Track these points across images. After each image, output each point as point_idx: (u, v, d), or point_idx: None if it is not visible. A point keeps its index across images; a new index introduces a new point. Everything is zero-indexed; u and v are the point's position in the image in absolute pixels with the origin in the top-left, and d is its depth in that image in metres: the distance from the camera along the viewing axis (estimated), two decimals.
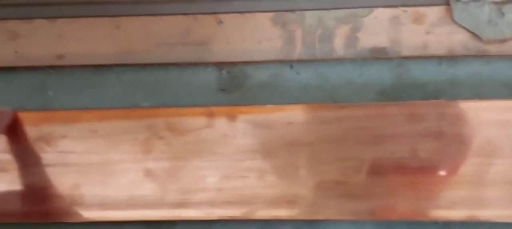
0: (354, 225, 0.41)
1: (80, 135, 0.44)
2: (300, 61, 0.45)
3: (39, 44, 0.46)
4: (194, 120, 0.44)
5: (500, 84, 0.43)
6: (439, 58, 0.44)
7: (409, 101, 0.43)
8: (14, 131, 0.44)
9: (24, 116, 0.44)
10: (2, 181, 0.44)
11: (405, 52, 0.44)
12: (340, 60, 0.44)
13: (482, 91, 0.43)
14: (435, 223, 0.41)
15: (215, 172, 0.43)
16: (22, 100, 0.45)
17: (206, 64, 0.46)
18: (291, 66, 0.45)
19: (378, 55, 0.44)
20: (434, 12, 0.44)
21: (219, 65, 0.46)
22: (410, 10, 0.44)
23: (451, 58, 0.44)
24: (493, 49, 0.44)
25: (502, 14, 0.44)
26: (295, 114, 0.43)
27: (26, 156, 0.44)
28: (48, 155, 0.44)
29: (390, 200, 0.41)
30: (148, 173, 0.43)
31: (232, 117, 0.44)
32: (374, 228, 0.41)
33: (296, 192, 0.42)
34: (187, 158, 0.43)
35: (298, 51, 0.45)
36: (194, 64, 0.46)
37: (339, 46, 0.45)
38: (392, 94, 0.44)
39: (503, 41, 0.43)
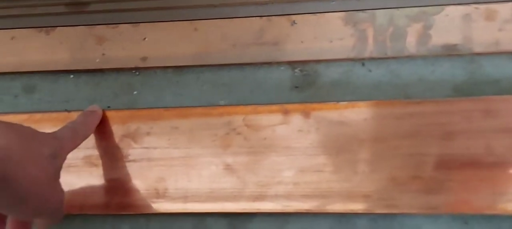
0: (429, 218, 0.42)
1: (163, 132, 0.47)
2: (371, 59, 0.46)
3: (124, 47, 0.49)
4: (270, 117, 0.46)
5: None
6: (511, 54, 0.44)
7: (482, 96, 0.43)
8: (103, 129, 0.48)
9: (111, 115, 0.48)
10: (94, 176, 0.47)
11: (477, 49, 0.45)
12: (411, 57, 0.46)
13: None
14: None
15: (291, 166, 0.45)
16: (109, 100, 0.49)
17: (279, 63, 0.48)
18: (363, 64, 0.46)
19: (450, 52, 0.45)
20: (506, 9, 0.45)
21: (292, 64, 0.48)
22: (482, 7, 0.45)
23: None
24: None
25: None
26: (367, 110, 0.45)
27: (114, 151, 0.47)
28: (134, 151, 0.47)
29: (466, 194, 0.42)
30: (227, 167, 0.45)
31: (306, 114, 0.45)
32: (450, 222, 0.42)
33: (371, 186, 0.43)
34: (264, 153, 0.45)
35: (370, 49, 0.46)
36: (268, 64, 0.48)
37: (410, 43, 0.46)
38: (465, 90, 0.44)
39: None
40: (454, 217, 0.42)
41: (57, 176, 0.40)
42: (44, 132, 0.40)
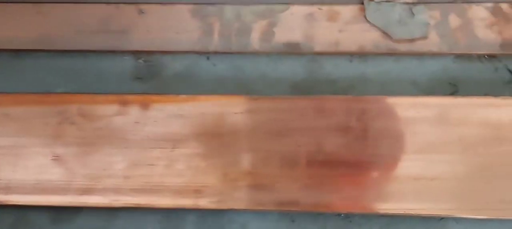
0: (258, 215, 0.41)
1: None
2: (216, 53, 0.45)
3: None
4: (107, 107, 0.44)
5: (408, 82, 0.44)
6: (351, 55, 0.45)
7: (319, 95, 0.43)
8: None
9: None
10: None
11: (318, 48, 0.45)
12: (255, 54, 0.45)
13: (390, 88, 0.44)
14: (338, 214, 0.41)
15: (124, 159, 0.43)
16: None
17: (124, 53, 0.46)
18: (208, 58, 0.46)
19: (292, 50, 0.45)
20: (348, 11, 0.45)
21: (137, 54, 0.46)
22: (325, 8, 0.46)
23: (362, 55, 0.45)
24: (402, 47, 0.45)
25: (412, 14, 0.45)
26: (207, 104, 0.43)
27: None
28: None
29: (294, 192, 0.41)
30: (57, 158, 0.43)
31: (145, 106, 0.44)
32: (277, 219, 0.41)
33: (204, 182, 0.42)
34: (96, 144, 0.43)
35: (215, 43, 0.46)
36: (113, 52, 0.46)
37: (255, 40, 0.45)
38: (304, 89, 0.44)
39: (412, 40, 0.44)
40: (281, 214, 0.41)
41: None
42: None
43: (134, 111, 0.44)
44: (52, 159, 0.43)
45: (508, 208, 0.40)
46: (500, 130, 0.42)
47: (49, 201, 0.42)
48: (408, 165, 0.42)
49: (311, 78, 0.44)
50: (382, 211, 0.41)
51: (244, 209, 0.41)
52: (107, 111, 0.44)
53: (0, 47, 0.45)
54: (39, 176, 0.43)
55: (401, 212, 0.40)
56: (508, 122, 0.42)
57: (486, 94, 0.43)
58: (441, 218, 0.40)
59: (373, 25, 0.45)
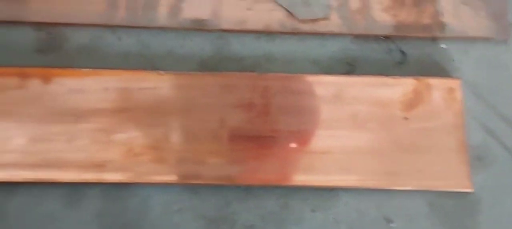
0: (161, 188, 0.42)
1: None
2: (122, 27, 0.45)
3: None
4: (6, 80, 0.42)
5: (310, 60, 0.46)
6: (258, 34, 0.46)
7: (224, 72, 0.44)
8: None
9: None
10: None
11: (225, 26, 0.46)
12: (163, 29, 0.45)
13: (294, 66, 0.46)
14: (238, 187, 0.43)
15: (23, 134, 0.42)
16: None
17: (24, 24, 0.44)
18: (113, 31, 0.45)
19: (200, 27, 0.46)
20: None
21: (38, 25, 0.44)
22: None
23: (268, 34, 0.46)
24: (306, 27, 0.46)
25: None
26: (110, 79, 0.43)
27: None
28: None
29: (198, 165, 0.43)
30: None
31: (46, 79, 0.43)
32: (181, 192, 0.43)
33: (106, 157, 0.42)
34: None
35: (121, 17, 0.45)
36: (12, 23, 0.44)
37: (162, 15, 0.45)
38: (211, 66, 0.45)
39: (315, 20, 0.46)
40: (184, 187, 0.42)
41: None
42: None
43: (34, 85, 0.42)
44: None
45: (393, 179, 0.44)
46: (390, 108, 0.45)
47: None
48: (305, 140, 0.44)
49: (219, 55, 0.45)
50: (278, 183, 0.43)
51: (146, 183, 0.42)
52: (6, 84, 0.42)
53: None
54: None
55: (296, 183, 0.43)
56: (397, 100, 0.45)
57: (379, 73, 0.46)
58: (332, 189, 0.43)
59: (279, 5, 0.46)
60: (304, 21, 0.46)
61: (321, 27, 0.46)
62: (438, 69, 0.47)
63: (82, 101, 0.42)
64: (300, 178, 0.44)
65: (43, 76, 0.43)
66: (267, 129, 0.44)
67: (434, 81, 0.45)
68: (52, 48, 0.44)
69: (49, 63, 0.43)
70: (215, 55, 0.45)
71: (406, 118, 0.45)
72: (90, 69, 0.43)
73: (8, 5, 0.43)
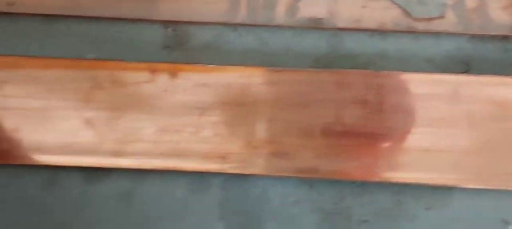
0: (279, 180, 0.44)
1: (22, 81, 0.45)
2: (243, 25, 0.47)
3: None
4: (137, 74, 0.45)
5: (424, 59, 0.46)
6: (372, 32, 0.47)
7: (339, 69, 0.46)
8: None
9: None
10: None
11: (341, 24, 0.47)
12: (280, 27, 0.47)
13: (407, 64, 0.46)
14: (353, 182, 0.44)
15: (152, 125, 0.45)
16: None
17: (153, 21, 0.47)
18: (235, 29, 0.47)
19: (316, 25, 0.47)
20: None
21: (166, 23, 0.47)
22: None
23: (382, 32, 0.47)
24: (420, 26, 0.47)
25: None
26: (233, 75, 0.45)
27: None
28: None
29: (314, 159, 0.44)
30: (87, 122, 0.45)
31: (173, 74, 0.46)
32: (297, 185, 0.44)
33: (228, 148, 0.45)
34: (126, 110, 0.45)
35: (242, 15, 0.47)
36: (142, 21, 0.47)
37: (280, 13, 0.47)
38: (325, 63, 0.46)
39: (430, 19, 0.46)
40: (300, 181, 0.44)
41: None
42: None
43: (162, 79, 0.45)
44: (83, 122, 0.45)
45: (510, 179, 0.44)
46: (507, 108, 0.45)
47: (79, 162, 0.45)
48: (420, 138, 0.44)
49: (333, 53, 0.46)
50: (394, 180, 0.44)
51: (265, 175, 0.44)
52: (137, 78, 0.46)
53: (32, 12, 0.46)
54: (70, 138, 0.45)
55: (411, 181, 0.44)
56: None
57: (496, 73, 0.45)
58: (447, 188, 0.43)
59: (394, 3, 0.46)
60: (419, 19, 0.46)
61: (436, 25, 0.46)
62: None
63: (206, 95, 0.45)
64: (414, 176, 0.44)
65: (171, 71, 0.46)
66: (381, 126, 0.45)
67: None
68: (178, 45, 0.47)
69: (175, 59, 0.46)
70: (329, 52, 0.46)
71: None
72: (214, 65, 0.45)
73: (138, 5, 0.47)
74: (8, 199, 0.44)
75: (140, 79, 0.46)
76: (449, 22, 0.47)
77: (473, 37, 0.47)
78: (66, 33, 0.47)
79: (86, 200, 0.44)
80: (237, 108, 0.45)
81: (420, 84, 0.45)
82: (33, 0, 0.47)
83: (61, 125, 0.45)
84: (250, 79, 0.45)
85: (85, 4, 0.47)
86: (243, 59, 0.46)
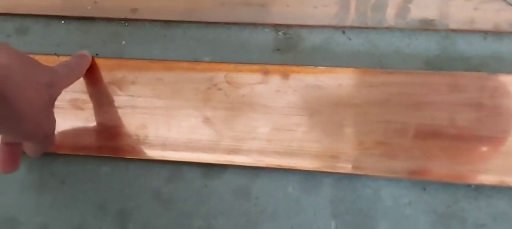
0: (391, 182, 0.45)
1: (148, 82, 0.49)
2: (352, 28, 0.48)
3: None
4: (250, 76, 0.48)
5: None
6: (485, 33, 0.46)
7: (452, 72, 0.45)
8: (91, 75, 0.50)
9: (99, 62, 0.50)
10: (79, 118, 0.50)
11: (453, 26, 0.47)
12: (390, 29, 0.47)
13: None
14: (468, 185, 0.44)
15: (266, 124, 0.47)
16: (98, 47, 0.51)
17: (264, 25, 0.50)
18: (344, 32, 0.48)
19: (427, 27, 0.47)
20: None
21: (276, 26, 0.50)
22: None
23: (496, 33, 0.46)
24: None
25: None
26: (344, 76, 0.47)
27: (100, 97, 0.50)
28: (119, 98, 0.49)
29: (427, 162, 0.44)
30: (206, 120, 0.48)
31: (285, 75, 0.48)
32: (409, 186, 0.45)
33: (339, 148, 0.46)
34: (241, 109, 0.48)
35: (351, 18, 0.48)
36: (254, 25, 0.50)
37: (390, 15, 0.48)
38: (437, 65, 0.46)
39: None
40: (413, 182, 0.45)
41: (52, 104, 0.42)
42: (43, 64, 0.41)
43: (275, 80, 0.48)
44: (202, 121, 0.48)
45: None
46: None
47: (199, 158, 0.48)
48: None
49: (445, 55, 0.46)
50: (510, 184, 0.43)
51: (377, 176, 0.45)
52: (251, 79, 0.48)
53: (153, 17, 0.50)
54: (191, 135, 0.48)
55: None
56: None
57: None
58: None
59: (509, 4, 0.45)
60: None
61: None
62: None
63: (317, 96, 0.47)
64: None
65: (283, 72, 0.48)
66: (497, 129, 0.44)
67: None
68: (289, 47, 0.49)
69: (287, 61, 0.48)
70: (441, 54, 0.46)
71: None
72: (325, 67, 0.47)
73: (251, 10, 0.49)
74: (139, 190, 0.48)
75: (254, 81, 0.48)
76: None
77: None
78: (183, 38, 0.50)
79: (205, 193, 0.47)
80: (348, 109, 0.46)
81: None
82: (154, 6, 0.50)
83: (182, 123, 0.48)
84: (360, 80, 0.46)
85: (201, 10, 0.50)
86: (352, 61, 0.47)
